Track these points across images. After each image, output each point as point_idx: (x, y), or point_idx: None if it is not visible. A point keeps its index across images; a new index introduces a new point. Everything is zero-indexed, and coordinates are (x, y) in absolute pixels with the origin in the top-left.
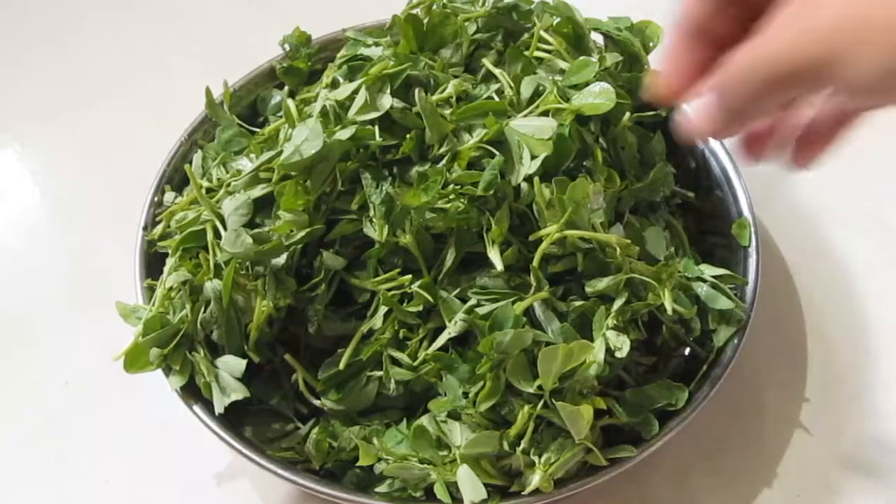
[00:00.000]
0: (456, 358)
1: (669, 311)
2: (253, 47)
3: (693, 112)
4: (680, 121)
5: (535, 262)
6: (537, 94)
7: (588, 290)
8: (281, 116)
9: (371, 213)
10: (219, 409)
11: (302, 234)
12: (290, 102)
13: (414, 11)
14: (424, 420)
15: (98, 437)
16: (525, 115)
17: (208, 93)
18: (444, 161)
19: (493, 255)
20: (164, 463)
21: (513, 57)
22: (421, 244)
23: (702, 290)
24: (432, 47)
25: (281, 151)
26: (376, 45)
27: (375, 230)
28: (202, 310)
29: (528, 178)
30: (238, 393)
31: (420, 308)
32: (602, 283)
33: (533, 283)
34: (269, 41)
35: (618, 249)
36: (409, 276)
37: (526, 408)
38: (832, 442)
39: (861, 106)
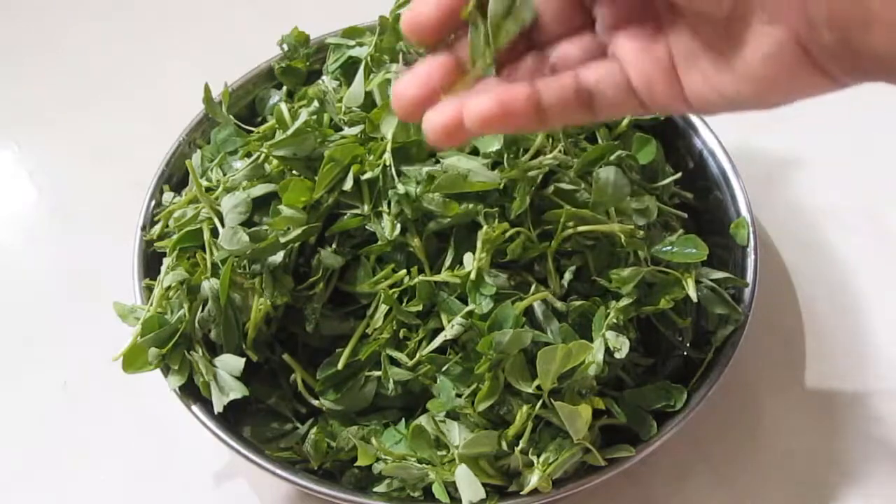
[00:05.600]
0: (449, 359)
1: (694, 299)
2: (251, 47)
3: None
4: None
5: (550, 257)
6: None
7: (613, 278)
8: None
9: (386, 208)
10: (218, 408)
11: (298, 231)
12: (283, 106)
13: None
14: (423, 420)
15: (97, 436)
16: None
17: (206, 89)
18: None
19: (479, 241)
20: (163, 463)
21: None
22: (427, 244)
23: (701, 292)
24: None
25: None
26: (360, 45)
27: (385, 227)
28: (200, 309)
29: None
30: (237, 392)
31: (420, 308)
32: (625, 273)
33: (552, 275)
34: (268, 41)
35: (622, 237)
36: (404, 271)
37: (524, 408)
38: (831, 442)
39: None
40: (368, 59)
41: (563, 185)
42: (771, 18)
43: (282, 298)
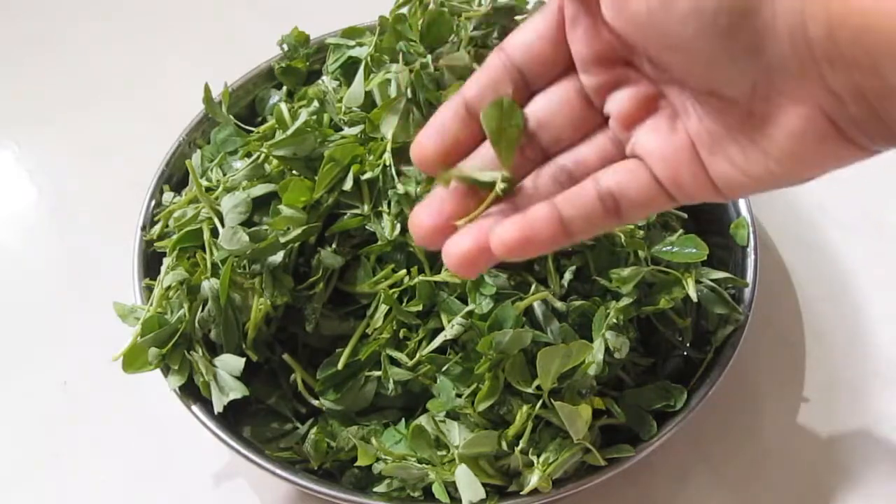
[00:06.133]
0: (449, 359)
1: (694, 299)
2: (251, 47)
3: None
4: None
5: (549, 257)
6: None
7: (613, 278)
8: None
9: (386, 208)
10: (218, 408)
11: (298, 231)
12: (283, 106)
13: (402, 11)
14: (423, 420)
15: (96, 436)
16: None
17: (206, 89)
18: None
19: None
20: (163, 463)
21: None
22: None
23: (701, 292)
24: (428, 45)
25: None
26: (360, 45)
27: (385, 227)
28: (200, 309)
29: None
30: (237, 392)
31: (420, 308)
32: (625, 273)
33: (552, 275)
34: (268, 41)
35: (622, 237)
36: (404, 271)
37: (524, 408)
38: (831, 442)
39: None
40: (368, 59)
41: None
42: (794, 96)
43: (282, 298)
